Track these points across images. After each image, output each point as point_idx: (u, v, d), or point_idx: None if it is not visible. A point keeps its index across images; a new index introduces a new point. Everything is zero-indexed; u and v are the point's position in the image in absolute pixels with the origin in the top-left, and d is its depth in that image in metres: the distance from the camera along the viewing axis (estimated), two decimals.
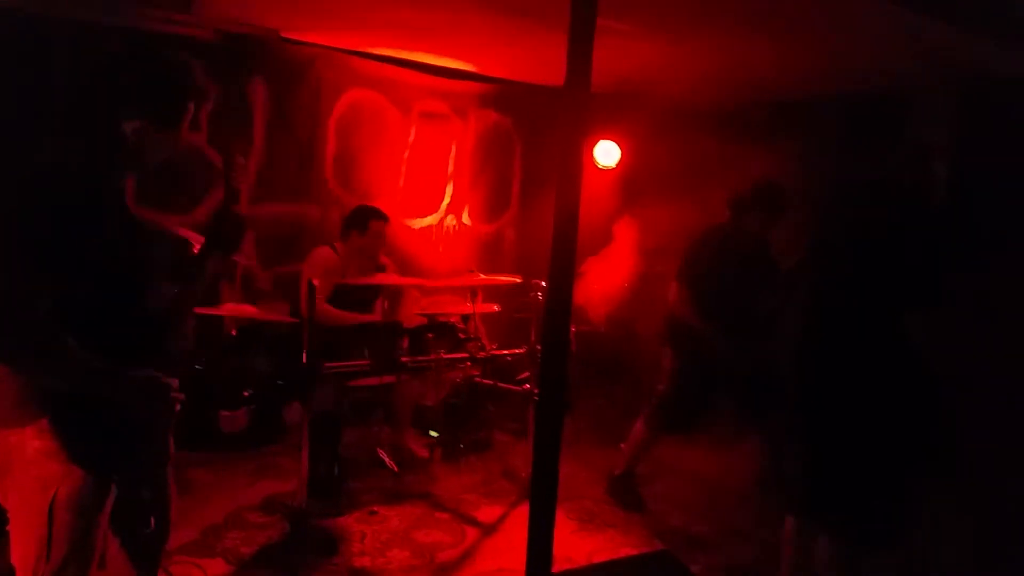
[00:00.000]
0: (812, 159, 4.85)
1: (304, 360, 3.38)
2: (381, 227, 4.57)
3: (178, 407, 1.99)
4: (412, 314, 4.77)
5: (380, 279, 4.54)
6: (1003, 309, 3.85)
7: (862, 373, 2.68)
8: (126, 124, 1.89)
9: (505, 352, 4.53)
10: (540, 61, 5.29)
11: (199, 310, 2.91)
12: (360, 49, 5.46)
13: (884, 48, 4.09)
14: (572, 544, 3.86)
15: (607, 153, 6.22)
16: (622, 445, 4.46)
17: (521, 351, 4.52)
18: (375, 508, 4.09)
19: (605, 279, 5.20)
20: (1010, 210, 4.07)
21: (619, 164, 6.25)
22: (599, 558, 3.66)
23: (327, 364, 3.57)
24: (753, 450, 4.85)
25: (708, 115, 5.66)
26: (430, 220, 6.10)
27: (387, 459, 4.55)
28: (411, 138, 5.88)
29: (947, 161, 4.21)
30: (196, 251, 2.15)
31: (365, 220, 4.55)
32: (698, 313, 4.11)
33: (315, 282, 3.39)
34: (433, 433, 4.89)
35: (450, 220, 6.22)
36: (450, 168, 6.16)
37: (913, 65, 4.28)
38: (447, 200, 6.18)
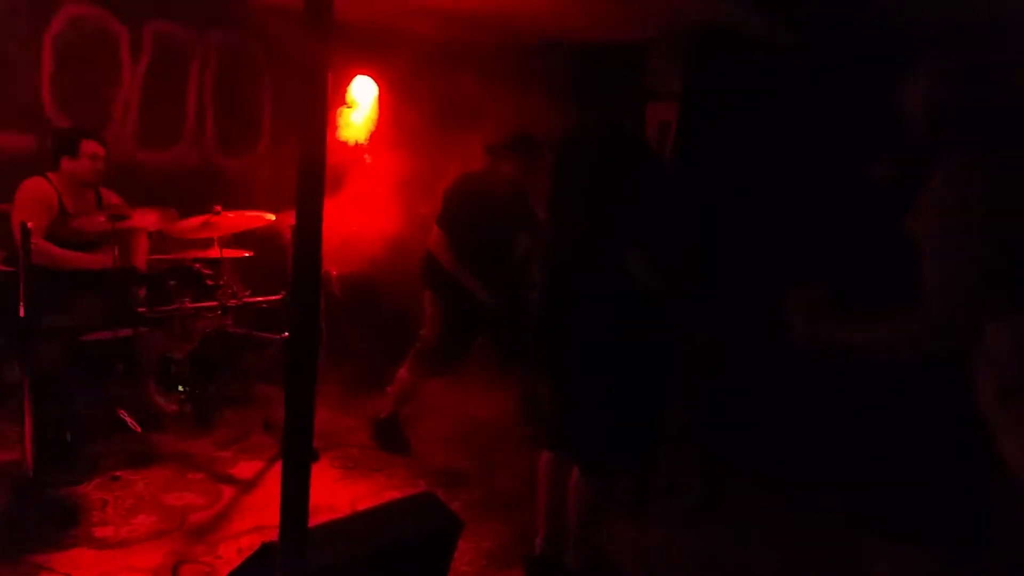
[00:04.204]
0: (558, 103, 5.01)
1: (21, 313, 2.98)
2: (94, 147, 4.07)
3: None
4: (148, 258, 4.34)
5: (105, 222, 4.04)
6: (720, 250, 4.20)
7: (596, 313, 2.81)
8: None
9: (260, 299, 4.30)
10: None
11: None
12: None
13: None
14: (336, 492, 3.79)
15: (363, 90, 5.99)
16: (388, 389, 4.44)
17: (277, 297, 4.31)
18: (118, 473, 3.74)
19: (342, 221, 5.00)
20: (727, 155, 4.45)
21: (379, 102, 6.04)
22: (363, 504, 3.62)
23: (50, 317, 3.17)
24: (512, 388, 5.04)
25: (466, 56, 5.64)
26: (171, 153, 5.54)
27: (129, 419, 4.17)
28: (144, 60, 5.27)
29: (674, 107, 4.53)
30: None
31: (75, 142, 4.04)
32: (455, 256, 4.15)
33: (30, 225, 2.97)
34: (181, 388, 4.54)
35: (195, 152, 5.67)
36: (191, 95, 5.61)
37: (650, 16, 4.54)
38: (190, 130, 5.62)
